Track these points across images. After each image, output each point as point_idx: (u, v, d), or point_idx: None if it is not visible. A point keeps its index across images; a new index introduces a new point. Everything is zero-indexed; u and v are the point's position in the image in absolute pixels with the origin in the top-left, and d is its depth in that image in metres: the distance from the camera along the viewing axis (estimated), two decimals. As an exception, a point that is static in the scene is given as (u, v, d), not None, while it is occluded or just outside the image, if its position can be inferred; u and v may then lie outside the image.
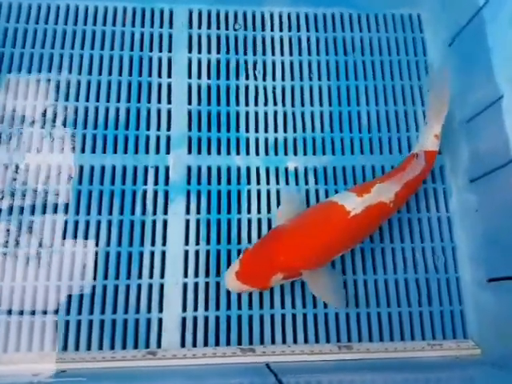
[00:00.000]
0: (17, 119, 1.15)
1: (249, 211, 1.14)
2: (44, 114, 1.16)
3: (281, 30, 1.29)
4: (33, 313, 1.03)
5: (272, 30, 1.29)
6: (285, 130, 1.21)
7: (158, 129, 1.19)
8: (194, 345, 1.04)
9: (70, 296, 1.04)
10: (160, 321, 1.05)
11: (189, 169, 1.17)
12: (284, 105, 1.23)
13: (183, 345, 1.03)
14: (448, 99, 1.10)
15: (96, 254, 1.08)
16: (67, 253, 1.07)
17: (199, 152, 1.18)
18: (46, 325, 1.02)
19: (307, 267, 0.99)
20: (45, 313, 1.03)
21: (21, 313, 1.02)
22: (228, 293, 1.07)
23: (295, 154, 1.19)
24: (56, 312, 1.03)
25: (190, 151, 1.18)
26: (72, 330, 1.02)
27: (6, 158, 1.12)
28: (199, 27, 1.28)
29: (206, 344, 1.04)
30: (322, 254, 1.01)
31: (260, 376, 0.89)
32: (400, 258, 1.13)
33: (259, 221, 1.13)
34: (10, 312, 1.03)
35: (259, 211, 1.14)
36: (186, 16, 1.28)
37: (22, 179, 1.11)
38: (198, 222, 1.13)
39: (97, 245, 1.08)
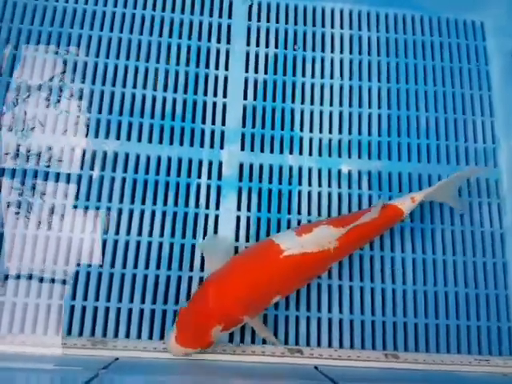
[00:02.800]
0: (82, 103, 1.15)
1: (299, 212, 1.13)
2: (101, 101, 1.16)
3: (341, 27, 1.27)
4: (85, 298, 1.04)
5: (332, 26, 1.26)
6: (340, 132, 1.19)
7: (213, 123, 1.18)
8: (242, 341, 1.05)
9: (121, 284, 1.06)
10: (208, 315, 1.06)
11: (241, 165, 1.16)
12: (341, 105, 1.21)
13: (231, 340, 1.05)
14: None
15: (149, 244, 1.09)
16: (121, 242, 1.08)
17: (252, 149, 1.17)
18: (98, 312, 1.04)
19: (245, 312, 0.94)
20: (97, 300, 1.04)
21: (73, 297, 1.04)
22: (276, 292, 1.08)
23: (349, 156, 1.18)
24: (108, 300, 1.05)
25: (242, 148, 1.17)
26: (123, 318, 1.04)
27: (63, 142, 1.13)
28: (258, 19, 1.26)
29: (253, 341, 1.05)
30: (259, 297, 0.97)
31: (312, 379, 0.90)
32: (451, 270, 1.12)
33: (308, 222, 1.13)
34: (61, 297, 1.04)
35: (309, 213, 1.13)
36: (245, 7, 1.26)
37: (76, 163, 1.12)
38: (248, 219, 1.12)
39: (150, 235, 1.09)
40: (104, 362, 0.92)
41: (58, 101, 1.15)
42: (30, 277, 1.05)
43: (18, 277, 1.04)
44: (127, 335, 1.03)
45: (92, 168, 1.12)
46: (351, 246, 1.04)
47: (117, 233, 1.09)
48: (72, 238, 1.07)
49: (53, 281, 1.04)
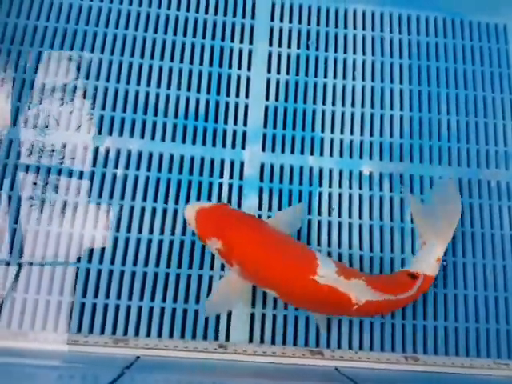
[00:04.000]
0: (107, 102, 1.16)
1: (319, 213, 1.14)
2: (125, 100, 1.17)
3: (364, 28, 1.27)
4: (108, 296, 1.05)
5: (355, 28, 1.26)
6: (361, 133, 1.19)
7: (235, 123, 1.18)
8: (262, 341, 1.06)
9: (143, 283, 1.07)
10: (229, 314, 1.07)
11: (262, 166, 1.17)
12: (363, 106, 1.21)
13: (251, 340, 1.05)
14: (458, 215, 1.07)
15: (171, 242, 1.10)
16: (144, 240, 1.09)
17: (273, 150, 1.18)
18: (120, 309, 1.05)
19: (238, 263, 0.96)
20: (119, 298, 1.05)
21: (95, 296, 1.05)
22: (297, 293, 1.08)
23: (371, 158, 1.18)
24: (130, 298, 1.06)
25: (264, 148, 1.18)
26: (144, 316, 1.05)
27: (88, 140, 1.13)
28: (281, 20, 1.26)
29: (273, 342, 1.06)
30: (262, 278, 0.98)
31: (333, 380, 0.91)
32: (471, 273, 1.12)
33: (329, 223, 1.13)
34: (84, 295, 1.06)
35: (329, 214, 1.14)
36: (268, 7, 1.26)
37: (101, 161, 1.12)
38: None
39: (172, 234, 1.10)
40: (126, 361, 0.93)
41: (83, 100, 1.16)
42: (52, 274, 1.06)
43: (41, 274, 1.05)
44: (148, 333, 1.04)
45: (116, 166, 1.13)
46: (371, 314, 1.04)
47: (139, 231, 1.10)
48: (95, 236, 1.08)
49: (75, 278, 1.06)
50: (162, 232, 1.10)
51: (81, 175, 1.11)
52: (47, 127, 1.14)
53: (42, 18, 1.20)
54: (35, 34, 1.19)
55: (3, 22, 1.19)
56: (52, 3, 1.21)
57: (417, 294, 1.02)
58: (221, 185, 1.14)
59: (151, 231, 1.09)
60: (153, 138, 1.15)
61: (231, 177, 1.15)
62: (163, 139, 1.16)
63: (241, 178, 1.15)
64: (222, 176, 1.15)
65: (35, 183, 1.10)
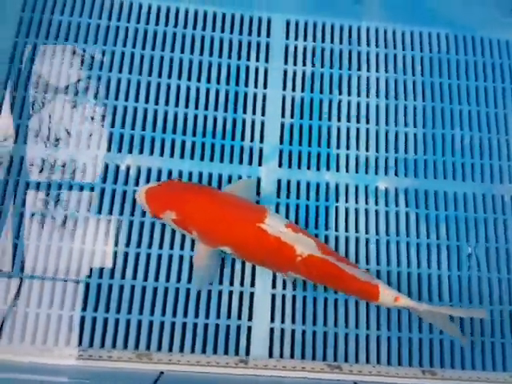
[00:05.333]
0: (127, 121, 1.18)
1: (336, 229, 1.16)
2: (145, 119, 1.19)
3: (377, 45, 1.29)
4: (130, 312, 1.07)
5: (368, 45, 1.29)
6: (377, 149, 1.22)
7: (252, 140, 1.21)
8: (281, 356, 1.08)
9: (165, 298, 1.09)
10: (249, 329, 1.09)
11: (279, 182, 1.19)
12: (377, 123, 1.23)
13: (270, 355, 1.07)
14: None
15: (191, 258, 1.11)
16: (165, 255, 1.11)
17: (289, 166, 1.20)
18: (142, 325, 1.07)
19: (197, 230, 1.04)
20: (141, 313, 1.08)
21: (118, 311, 1.07)
22: (315, 309, 1.10)
23: (386, 173, 1.20)
24: (152, 313, 1.08)
25: (280, 164, 1.20)
26: (166, 331, 1.07)
27: (110, 158, 1.16)
28: (296, 38, 1.28)
29: (292, 356, 1.08)
30: (214, 232, 1.04)
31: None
32: (486, 289, 1.14)
33: (346, 239, 1.15)
34: (107, 310, 1.08)
35: (347, 229, 1.16)
36: (283, 26, 1.29)
37: (122, 180, 1.15)
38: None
39: (192, 249, 1.12)
40: (151, 376, 0.95)
41: (103, 118, 1.18)
42: (76, 289, 1.08)
43: (64, 291, 1.08)
44: (170, 348, 1.06)
45: (137, 184, 1.15)
46: (315, 272, 1.05)
47: (160, 247, 1.12)
48: (117, 252, 1.10)
49: (97, 294, 1.08)
50: (181, 247, 1.12)
51: (102, 193, 1.14)
52: (65, 144, 1.17)
53: (60, 38, 1.23)
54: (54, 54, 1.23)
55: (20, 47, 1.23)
56: (70, 22, 1.24)
57: (359, 288, 1.03)
58: (239, 201, 1.17)
59: (171, 247, 1.12)
60: (172, 155, 1.18)
61: (248, 193, 1.18)
62: (182, 157, 1.18)
63: (258, 194, 1.18)
64: (239, 192, 1.18)
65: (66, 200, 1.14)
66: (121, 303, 1.08)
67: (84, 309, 1.07)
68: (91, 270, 1.09)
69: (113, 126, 1.18)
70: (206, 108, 1.22)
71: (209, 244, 1.07)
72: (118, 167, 1.16)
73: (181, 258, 1.11)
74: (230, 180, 1.18)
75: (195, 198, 1.05)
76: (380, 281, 1.06)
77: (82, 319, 1.06)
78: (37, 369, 0.99)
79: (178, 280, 1.10)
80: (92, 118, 1.18)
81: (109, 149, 1.16)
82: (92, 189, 1.14)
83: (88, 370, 1.01)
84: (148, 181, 1.15)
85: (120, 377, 0.98)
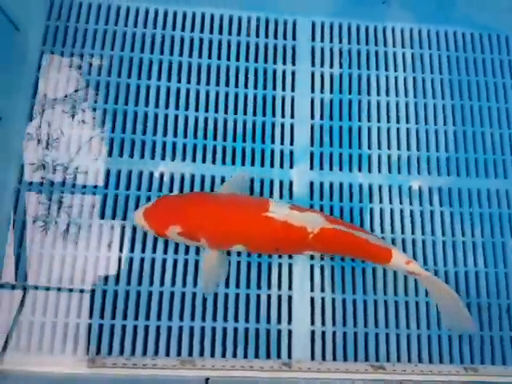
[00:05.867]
0: (158, 128, 1.18)
1: (372, 230, 1.16)
2: (176, 125, 1.19)
3: (403, 46, 1.29)
4: (170, 318, 1.07)
5: (394, 45, 1.29)
6: (408, 148, 1.22)
7: (282, 143, 1.21)
8: (323, 358, 1.08)
9: (204, 303, 1.08)
10: (290, 332, 1.08)
11: (311, 184, 1.19)
12: (407, 122, 1.24)
13: (312, 357, 1.07)
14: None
15: (229, 263, 1.11)
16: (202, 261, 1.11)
17: (321, 168, 1.20)
18: (183, 331, 1.07)
19: (204, 236, 1.04)
20: (181, 319, 1.07)
21: (158, 318, 1.07)
22: (354, 310, 1.10)
23: (419, 173, 1.20)
24: (192, 319, 1.07)
25: (312, 166, 1.20)
26: (207, 337, 1.07)
27: (140, 165, 1.16)
28: (322, 40, 1.29)
29: (334, 358, 1.08)
30: (224, 234, 1.05)
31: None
32: (523, 283, 1.15)
33: (383, 239, 1.15)
34: (147, 317, 1.08)
35: (382, 230, 1.16)
36: (308, 28, 1.29)
37: (156, 186, 1.14)
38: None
39: (228, 254, 1.12)
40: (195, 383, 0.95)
41: (145, 125, 1.18)
42: (115, 298, 1.08)
43: (103, 298, 1.08)
44: (212, 354, 1.07)
45: (171, 190, 1.15)
46: (330, 244, 1.07)
47: (197, 253, 1.12)
48: (155, 259, 1.10)
49: (137, 303, 1.08)
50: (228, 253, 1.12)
51: (137, 200, 1.14)
52: (99, 153, 1.16)
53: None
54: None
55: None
56: (86, 29, 1.24)
57: (370, 252, 1.05)
58: (272, 204, 1.17)
59: (197, 252, 1.12)
60: (203, 161, 1.18)
61: (281, 196, 1.17)
62: (213, 162, 1.18)
63: (290, 197, 1.17)
64: (271, 195, 1.17)
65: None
66: (161, 311, 1.07)
67: (124, 318, 1.06)
68: (130, 277, 1.09)
69: (144, 133, 1.18)
70: (236, 112, 1.22)
71: (219, 247, 1.08)
72: (151, 174, 1.16)
73: (217, 263, 1.12)
74: (262, 184, 1.18)
75: (196, 206, 1.05)
76: (393, 245, 1.09)
77: (123, 328, 1.06)
78: (80, 379, 0.99)
79: (227, 285, 1.09)
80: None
81: (142, 156, 1.16)
82: (97, 194, 1.14)
83: (130, 379, 1.01)
84: (182, 187, 1.16)
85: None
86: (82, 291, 1.07)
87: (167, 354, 1.06)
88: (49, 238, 1.11)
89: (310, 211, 1.07)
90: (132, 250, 1.10)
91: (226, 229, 1.05)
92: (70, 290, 1.07)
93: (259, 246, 1.10)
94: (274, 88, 1.24)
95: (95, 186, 1.14)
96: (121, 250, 1.10)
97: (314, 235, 1.04)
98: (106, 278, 1.08)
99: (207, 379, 0.99)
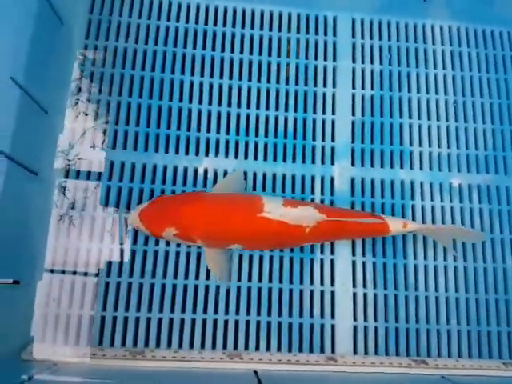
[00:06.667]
0: (202, 124, 1.19)
1: (413, 226, 1.18)
2: (218, 123, 1.20)
3: (442, 43, 1.30)
4: (227, 311, 1.10)
5: (433, 43, 1.30)
6: (448, 146, 1.23)
7: (323, 139, 1.22)
8: (365, 352, 1.10)
9: (249, 298, 1.10)
10: (332, 327, 1.11)
11: (352, 180, 1.20)
12: (447, 120, 1.25)
13: (355, 352, 1.10)
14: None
15: (271, 258, 1.13)
16: (246, 256, 1.13)
17: (362, 164, 1.21)
18: (228, 324, 1.09)
19: (200, 237, 1.04)
20: (227, 313, 1.09)
21: (193, 311, 1.09)
22: (396, 305, 1.12)
23: (459, 170, 1.22)
24: (237, 313, 1.09)
25: (353, 163, 1.21)
26: (252, 330, 1.09)
27: (190, 161, 1.17)
28: (362, 37, 1.29)
29: (376, 353, 1.10)
30: (219, 235, 1.05)
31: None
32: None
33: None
34: (183, 310, 1.09)
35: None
36: (349, 24, 1.29)
37: (200, 182, 1.16)
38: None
39: (271, 250, 1.14)
40: (247, 376, 0.97)
41: (189, 121, 1.19)
42: (163, 292, 1.09)
43: (151, 293, 1.09)
44: (257, 347, 1.08)
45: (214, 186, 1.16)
46: (327, 235, 1.10)
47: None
48: (180, 252, 1.12)
49: (184, 296, 1.09)
50: (261, 251, 1.13)
51: (140, 193, 1.14)
52: (146, 150, 1.17)
53: (130, 40, 1.23)
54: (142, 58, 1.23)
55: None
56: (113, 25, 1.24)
57: (368, 228, 1.08)
58: (313, 201, 1.18)
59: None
60: (246, 157, 1.19)
61: (322, 193, 1.19)
62: (255, 158, 1.19)
63: (332, 193, 1.19)
64: (313, 192, 1.19)
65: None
66: (206, 304, 1.09)
67: (172, 311, 1.08)
68: (178, 271, 1.11)
69: (189, 129, 1.19)
70: (277, 109, 1.22)
71: (216, 247, 1.09)
72: (196, 170, 1.17)
73: (260, 258, 1.12)
74: (303, 180, 1.19)
75: (190, 207, 1.04)
76: (383, 215, 1.11)
77: (171, 321, 1.08)
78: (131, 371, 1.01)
79: (260, 280, 1.11)
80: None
81: (187, 152, 1.17)
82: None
83: (183, 373, 1.03)
84: (216, 182, 1.15)
85: (215, 376, 1.00)
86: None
87: (213, 346, 1.07)
88: (53, 229, 1.11)
89: (302, 205, 1.08)
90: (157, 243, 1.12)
91: (220, 230, 1.05)
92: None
93: (255, 246, 1.11)
94: (315, 84, 1.25)
95: (99, 178, 1.14)
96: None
97: (310, 229, 1.05)
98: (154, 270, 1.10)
99: (255, 372, 1.01)
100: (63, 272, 1.08)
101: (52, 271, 1.08)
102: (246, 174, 1.18)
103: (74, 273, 1.08)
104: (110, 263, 1.10)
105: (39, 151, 1.07)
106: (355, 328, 1.11)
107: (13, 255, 0.97)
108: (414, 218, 1.18)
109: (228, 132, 1.20)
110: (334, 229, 1.07)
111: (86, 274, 1.08)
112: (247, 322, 1.09)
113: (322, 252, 1.14)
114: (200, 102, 1.21)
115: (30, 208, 1.04)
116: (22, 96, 0.96)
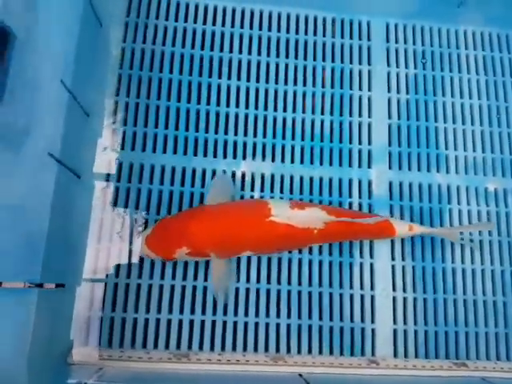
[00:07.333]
0: (239, 128, 1.19)
1: (451, 231, 1.19)
2: (255, 126, 1.20)
3: (475, 48, 1.31)
4: (268, 314, 1.10)
5: (466, 48, 1.31)
6: (483, 150, 1.24)
7: (360, 142, 1.23)
8: (405, 356, 1.10)
9: (289, 301, 1.11)
10: (373, 331, 1.11)
11: (390, 184, 1.21)
12: (481, 124, 1.26)
13: (395, 355, 1.10)
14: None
15: (310, 262, 1.13)
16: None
17: (400, 167, 1.22)
18: (270, 327, 1.09)
19: (213, 250, 1.04)
20: (268, 316, 1.10)
21: (234, 314, 1.10)
22: (435, 309, 1.13)
23: (494, 174, 1.23)
24: (278, 316, 1.10)
25: (390, 166, 1.22)
26: (293, 333, 1.09)
27: (228, 164, 1.17)
28: (396, 41, 1.30)
29: (416, 355, 1.11)
30: (232, 245, 1.06)
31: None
32: None
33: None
34: (225, 313, 1.10)
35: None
36: (383, 29, 1.30)
37: (238, 186, 1.15)
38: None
39: (310, 253, 1.14)
40: (294, 380, 0.97)
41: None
42: (204, 294, 1.09)
43: (193, 295, 1.09)
44: (299, 350, 1.09)
45: (252, 189, 1.16)
46: (335, 236, 1.11)
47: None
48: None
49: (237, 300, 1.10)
50: (311, 253, 1.14)
51: (149, 194, 1.14)
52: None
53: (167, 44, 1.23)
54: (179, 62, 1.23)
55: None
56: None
57: (374, 230, 1.09)
58: (351, 204, 1.19)
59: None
60: (282, 160, 1.19)
61: (360, 196, 1.19)
62: (292, 161, 1.20)
63: (369, 196, 1.19)
64: (350, 195, 1.19)
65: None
66: (258, 307, 1.09)
67: (214, 313, 1.08)
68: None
69: (226, 132, 1.19)
70: (313, 112, 1.23)
71: (228, 257, 1.09)
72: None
73: (289, 260, 1.13)
74: (340, 183, 1.19)
75: (198, 224, 1.03)
76: (389, 218, 1.13)
77: (213, 323, 1.08)
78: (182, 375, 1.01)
79: (299, 283, 1.12)
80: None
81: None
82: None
83: (225, 374, 1.03)
84: (263, 187, 1.17)
85: (258, 379, 1.01)
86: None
87: (255, 349, 1.08)
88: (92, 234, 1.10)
89: (310, 206, 1.09)
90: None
91: (232, 241, 1.05)
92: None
93: (266, 250, 1.11)
94: (351, 88, 1.25)
95: (107, 179, 1.13)
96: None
97: (318, 231, 1.06)
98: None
99: (300, 375, 1.02)
100: (106, 276, 1.08)
101: (94, 274, 1.08)
102: (282, 177, 1.17)
103: (116, 276, 1.09)
104: (149, 266, 1.10)
105: (82, 154, 1.07)
106: (395, 331, 1.11)
107: (60, 260, 0.97)
108: (451, 223, 1.19)
109: (265, 135, 1.19)
110: (341, 230, 1.08)
111: (128, 276, 1.09)
112: (288, 326, 1.10)
113: (361, 256, 1.15)
114: (237, 105, 1.21)
115: (74, 211, 1.04)
116: (69, 99, 0.96)
